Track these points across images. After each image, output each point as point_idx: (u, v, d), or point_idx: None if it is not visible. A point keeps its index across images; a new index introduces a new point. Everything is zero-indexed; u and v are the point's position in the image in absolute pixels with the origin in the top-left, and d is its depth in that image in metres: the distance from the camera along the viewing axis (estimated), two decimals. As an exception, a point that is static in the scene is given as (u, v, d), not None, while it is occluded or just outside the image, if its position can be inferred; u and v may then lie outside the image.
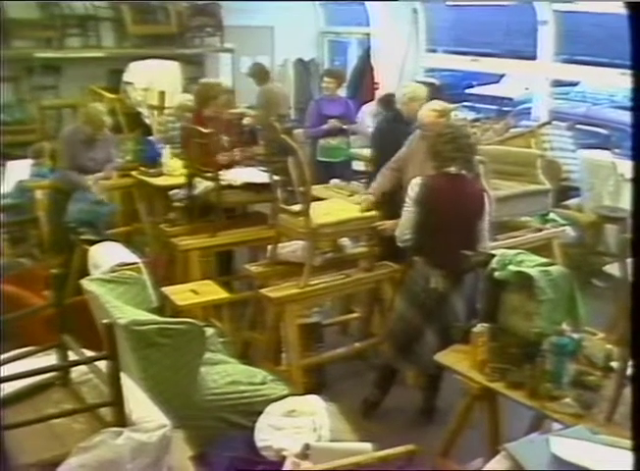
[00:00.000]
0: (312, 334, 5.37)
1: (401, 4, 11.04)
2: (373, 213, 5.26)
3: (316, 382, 5.19)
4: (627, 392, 3.31)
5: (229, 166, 6.16)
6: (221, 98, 6.42)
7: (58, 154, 6.72)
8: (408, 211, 4.67)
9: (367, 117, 9.21)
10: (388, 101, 9.27)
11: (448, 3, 11.89)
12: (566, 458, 2.55)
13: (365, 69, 11.32)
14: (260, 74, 9.14)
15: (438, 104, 5.35)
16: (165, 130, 7.72)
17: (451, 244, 4.56)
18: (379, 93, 10.58)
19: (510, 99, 13.13)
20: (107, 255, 4.86)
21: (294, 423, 3.43)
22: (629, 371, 3.21)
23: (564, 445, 2.62)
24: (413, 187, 4.66)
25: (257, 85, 9.12)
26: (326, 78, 8.52)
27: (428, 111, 5.27)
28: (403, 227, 4.70)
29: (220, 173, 5.87)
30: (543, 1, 9.36)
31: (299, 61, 11.87)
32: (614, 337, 3.72)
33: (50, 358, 3.15)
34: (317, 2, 12.03)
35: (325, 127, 8.17)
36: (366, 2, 11.53)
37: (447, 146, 4.61)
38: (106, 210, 6.15)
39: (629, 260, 3.17)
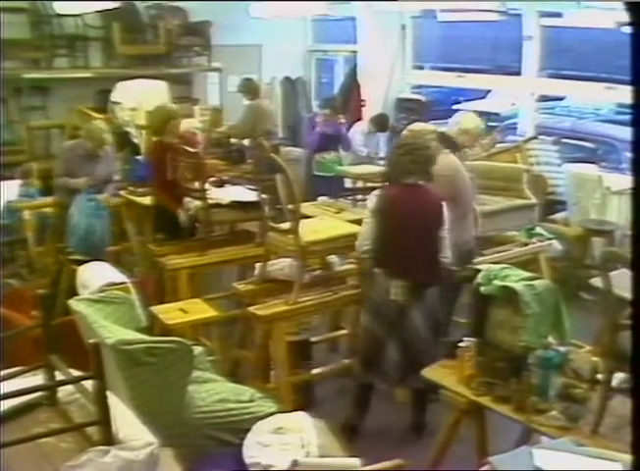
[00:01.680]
0: (301, 351, 5.37)
1: (390, 20, 11.10)
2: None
3: (305, 399, 5.19)
4: (613, 403, 3.35)
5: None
6: (177, 122, 6.44)
7: (54, 169, 6.72)
8: (367, 222, 4.74)
9: (358, 135, 9.30)
10: (380, 120, 9.40)
11: (439, 19, 11.96)
12: (550, 471, 2.57)
13: (352, 86, 11.37)
14: (250, 89, 9.20)
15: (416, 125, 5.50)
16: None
17: (410, 255, 4.63)
18: (365, 111, 10.67)
19: (497, 114, 13.18)
20: (95, 275, 4.86)
21: (282, 440, 3.43)
22: (628, 385, 3.25)
23: (548, 458, 2.63)
24: (371, 198, 4.75)
25: (247, 100, 9.18)
26: (327, 111, 8.64)
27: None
28: (362, 238, 4.76)
29: (208, 191, 5.88)
30: (531, 14, 9.44)
31: (287, 79, 11.92)
32: (601, 349, 3.74)
33: (37, 378, 3.15)
34: (307, 19, 12.09)
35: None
36: (356, 17, 11.58)
37: (404, 158, 4.68)
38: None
39: (618, 273, 3.22)
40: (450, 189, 5.11)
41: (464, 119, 5.82)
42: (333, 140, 8.62)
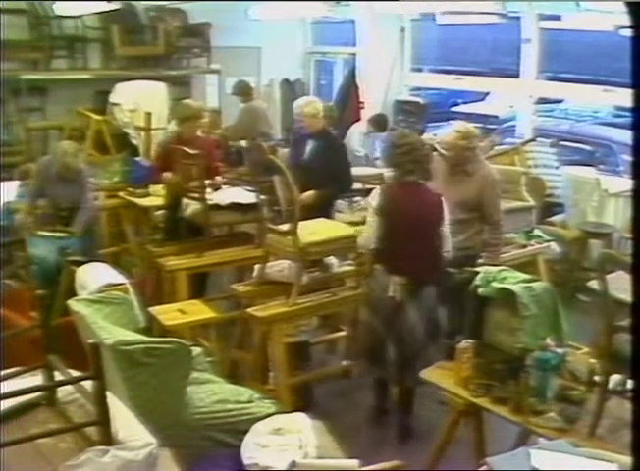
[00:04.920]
0: (299, 352, 5.38)
1: (389, 22, 11.12)
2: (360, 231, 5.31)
3: (303, 400, 5.19)
4: (610, 405, 3.36)
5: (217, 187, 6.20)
6: (199, 121, 6.45)
7: (30, 186, 6.60)
8: (370, 220, 4.78)
9: (356, 136, 9.28)
10: (378, 121, 9.39)
11: (438, 21, 11.99)
12: (548, 472, 2.58)
13: (351, 88, 11.38)
14: (244, 91, 9.21)
15: (462, 125, 5.47)
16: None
17: (412, 251, 4.72)
18: (364, 112, 10.68)
19: (495, 117, 13.22)
20: (94, 276, 4.87)
21: (281, 441, 3.43)
22: (625, 387, 3.27)
23: (545, 459, 2.64)
24: (374, 197, 4.79)
25: (241, 103, 9.19)
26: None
27: (451, 131, 5.38)
28: (367, 236, 4.80)
29: (207, 193, 5.89)
30: (530, 16, 9.46)
31: (286, 81, 11.93)
32: (598, 351, 3.75)
33: (36, 378, 3.15)
34: (307, 21, 12.10)
35: None
36: (356, 20, 11.59)
37: (405, 157, 4.75)
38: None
39: (615, 275, 3.23)
40: (477, 193, 5.25)
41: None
42: None
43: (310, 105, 6.49)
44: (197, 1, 9.89)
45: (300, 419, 3.62)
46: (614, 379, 3.35)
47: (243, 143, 8.85)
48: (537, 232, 6.83)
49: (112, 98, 9.30)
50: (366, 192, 6.76)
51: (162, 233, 6.63)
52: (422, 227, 4.77)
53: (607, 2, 8.03)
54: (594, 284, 3.87)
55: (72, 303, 3.95)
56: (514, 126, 10.36)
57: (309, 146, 6.42)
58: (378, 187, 4.91)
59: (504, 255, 6.06)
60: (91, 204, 6.21)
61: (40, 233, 6.09)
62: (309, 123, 6.44)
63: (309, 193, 6.01)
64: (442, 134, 5.55)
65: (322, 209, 6.00)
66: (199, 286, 6.25)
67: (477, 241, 5.38)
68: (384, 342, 4.81)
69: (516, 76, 9.86)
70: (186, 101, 7.01)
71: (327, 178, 6.15)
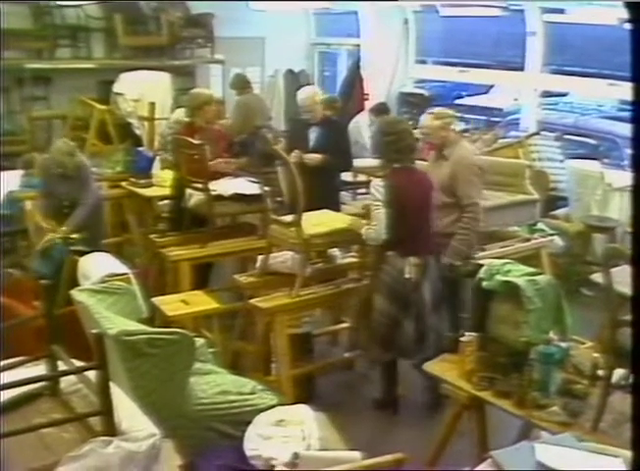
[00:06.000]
0: (302, 344, 5.38)
1: (392, 14, 11.09)
2: (364, 223, 5.30)
3: (306, 392, 5.19)
4: (613, 399, 3.35)
5: (219, 176, 6.19)
6: (211, 108, 6.44)
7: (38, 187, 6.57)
8: (379, 213, 4.81)
9: (364, 127, 9.23)
10: (379, 110, 9.34)
11: (441, 14, 11.96)
12: (552, 466, 2.57)
13: (355, 80, 11.36)
14: (240, 84, 9.20)
15: (438, 108, 5.73)
16: (165, 143, 7.73)
17: (420, 232, 4.94)
18: (368, 104, 10.65)
19: (500, 110, 13.17)
20: (97, 266, 4.87)
21: (283, 432, 3.43)
22: (630, 382, 3.25)
23: (550, 453, 2.64)
24: (378, 189, 4.83)
25: (236, 96, 9.18)
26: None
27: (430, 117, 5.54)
28: (379, 226, 4.82)
29: (210, 184, 5.88)
30: (534, 9, 9.42)
31: (289, 72, 11.90)
32: (601, 345, 3.75)
33: (39, 368, 3.16)
34: (310, 12, 12.08)
35: None
36: (359, 11, 11.57)
37: (401, 143, 4.90)
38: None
39: (619, 269, 3.22)
40: (452, 175, 5.34)
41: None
42: None
43: (312, 93, 6.52)
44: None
45: (303, 411, 3.62)
46: (618, 373, 3.35)
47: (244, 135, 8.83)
48: (541, 225, 6.82)
49: (116, 88, 9.28)
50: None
51: (167, 223, 6.62)
52: (426, 207, 5.01)
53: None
54: (597, 277, 3.87)
55: (75, 293, 3.94)
56: (519, 119, 10.34)
57: (314, 134, 6.43)
58: (377, 180, 4.92)
59: (507, 248, 6.07)
60: (92, 200, 6.15)
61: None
62: (312, 111, 6.47)
63: (314, 155, 6.19)
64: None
65: (325, 176, 6.22)
66: (203, 276, 6.24)
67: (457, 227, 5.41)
68: (400, 324, 4.88)
69: (521, 68, 9.84)
70: (196, 90, 7.00)
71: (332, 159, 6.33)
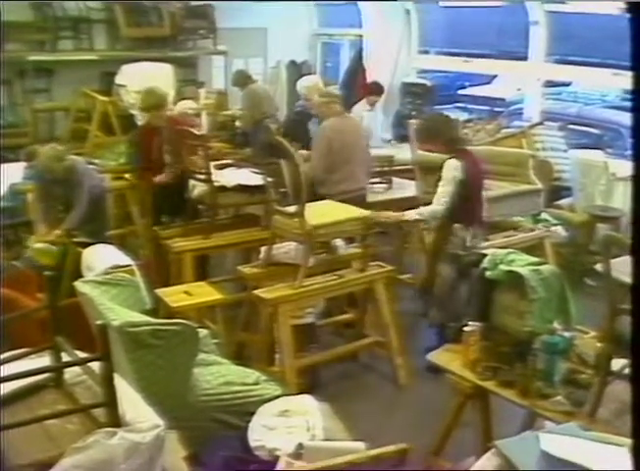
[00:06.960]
0: (306, 334, 5.37)
1: (394, 5, 11.06)
2: (367, 214, 5.30)
3: (310, 382, 5.20)
4: (616, 389, 3.34)
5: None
6: (166, 109, 6.46)
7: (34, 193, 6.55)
8: (448, 190, 5.17)
9: (379, 120, 9.22)
10: (376, 89, 9.32)
11: (441, 4, 11.92)
12: (556, 455, 2.57)
13: (357, 70, 11.33)
14: (241, 81, 9.20)
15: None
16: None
17: (477, 207, 5.41)
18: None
19: (503, 100, 13.15)
20: (101, 257, 4.87)
21: (288, 423, 3.44)
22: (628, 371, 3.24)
23: (554, 442, 2.63)
24: (453, 168, 5.16)
25: (241, 90, 9.19)
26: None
27: None
28: (445, 201, 5.18)
29: (213, 175, 5.88)
30: (535, 0, 9.39)
31: (292, 63, 11.89)
32: (603, 334, 3.74)
33: (44, 360, 3.16)
34: (311, 3, 12.05)
35: None
36: (359, 3, 11.55)
37: (455, 132, 5.46)
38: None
39: (621, 259, 3.21)
40: None
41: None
42: None
43: (313, 83, 6.54)
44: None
45: (307, 401, 3.63)
46: (620, 362, 3.34)
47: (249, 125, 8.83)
48: (544, 215, 6.81)
49: (118, 79, 9.25)
50: (379, 174, 6.86)
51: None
52: (482, 184, 5.51)
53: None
54: (601, 267, 3.86)
55: (79, 285, 3.95)
56: (522, 108, 10.31)
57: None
58: (452, 161, 5.16)
59: (511, 238, 6.08)
60: (88, 200, 6.10)
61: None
62: (312, 100, 6.50)
63: None
64: None
65: None
66: (201, 268, 6.26)
67: None
68: (457, 289, 5.13)
69: (524, 58, 9.81)
70: (151, 88, 6.91)
71: None
